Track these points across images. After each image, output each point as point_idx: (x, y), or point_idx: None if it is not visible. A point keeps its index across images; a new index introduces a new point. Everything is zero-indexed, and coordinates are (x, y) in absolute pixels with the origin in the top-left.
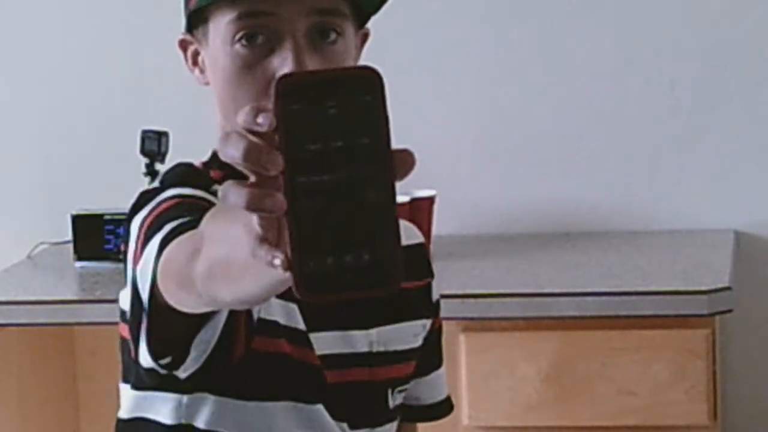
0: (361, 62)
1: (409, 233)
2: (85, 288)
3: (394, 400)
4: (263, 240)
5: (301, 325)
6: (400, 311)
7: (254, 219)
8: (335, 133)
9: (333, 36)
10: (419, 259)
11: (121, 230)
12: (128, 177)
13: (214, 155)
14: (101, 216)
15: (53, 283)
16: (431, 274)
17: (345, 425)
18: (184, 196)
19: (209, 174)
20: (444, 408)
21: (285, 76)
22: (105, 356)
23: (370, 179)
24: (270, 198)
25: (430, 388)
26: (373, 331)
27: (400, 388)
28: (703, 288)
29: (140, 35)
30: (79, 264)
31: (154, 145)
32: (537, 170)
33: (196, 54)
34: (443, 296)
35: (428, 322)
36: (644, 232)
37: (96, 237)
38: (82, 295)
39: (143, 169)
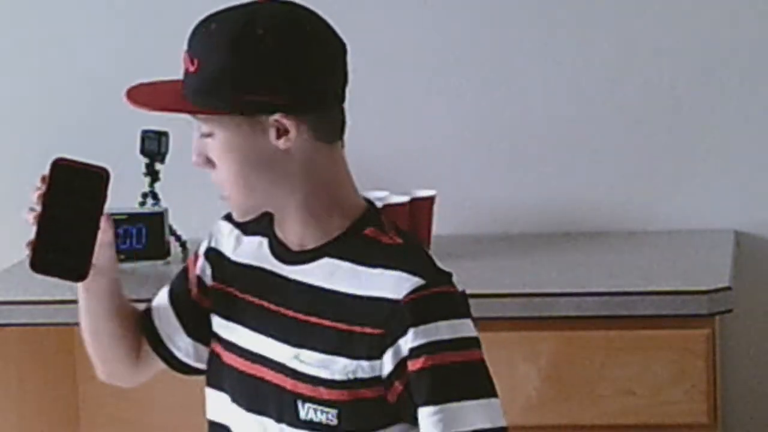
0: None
1: (387, 286)
2: None
3: (306, 412)
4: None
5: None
6: (330, 344)
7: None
8: (73, 199)
9: (206, 131)
10: (385, 313)
11: (120, 230)
12: (128, 177)
13: None
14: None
15: (53, 283)
16: (393, 328)
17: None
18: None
19: None
20: None
21: (58, 159)
22: None
23: (84, 220)
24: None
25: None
26: (295, 350)
27: (312, 406)
28: (703, 288)
29: (140, 35)
30: None
31: (154, 145)
32: (537, 170)
33: None
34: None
35: (356, 363)
36: (644, 232)
37: None
38: None
39: (143, 169)
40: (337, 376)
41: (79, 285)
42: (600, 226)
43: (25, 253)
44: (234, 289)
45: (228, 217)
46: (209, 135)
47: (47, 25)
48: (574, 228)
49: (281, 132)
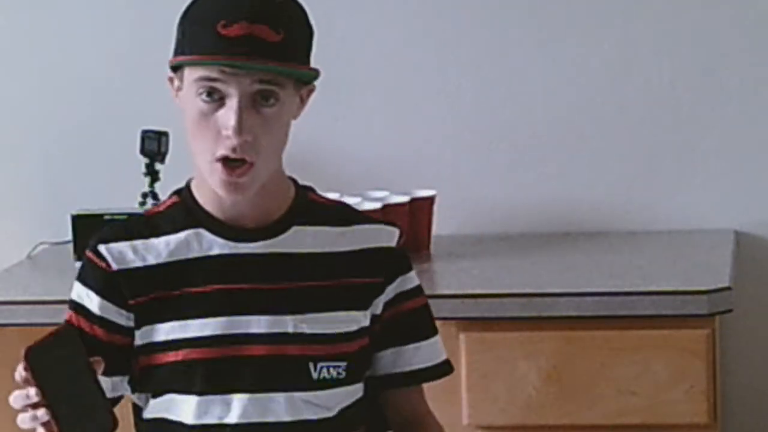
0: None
1: (378, 236)
2: None
3: (319, 372)
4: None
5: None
6: (334, 302)
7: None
8: (62, 371)
9: (271, 101)
10: (378, 260)
11: None
12: (128, 177)
13: (189, 181)
14: (101, 216)
15: (53, 283)
16: (391, 274)
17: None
18: (76, 308)
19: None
20: (440, 370)
21: (27, 348)
22: None
23: (82, 380)
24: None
25: (420, 355)
26: (296, 317)
27: (325, 364)
28: (703, 288)
29: (140, 35)
30: (79, 264)
31: (154, 145)
32: (537, 170)
33: (178, 89)
34: (443, 296)
35: (364, 313)
36: (644, 232)
37: None
38: None
39: (143, 169)
40: (346, 329)
41: None
42: (600, 226)
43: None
44: (176, 290)
45: (103, 240)
46: (271, 104)
47: (47, 25)
48: (574, 228)
49: (300, 103)
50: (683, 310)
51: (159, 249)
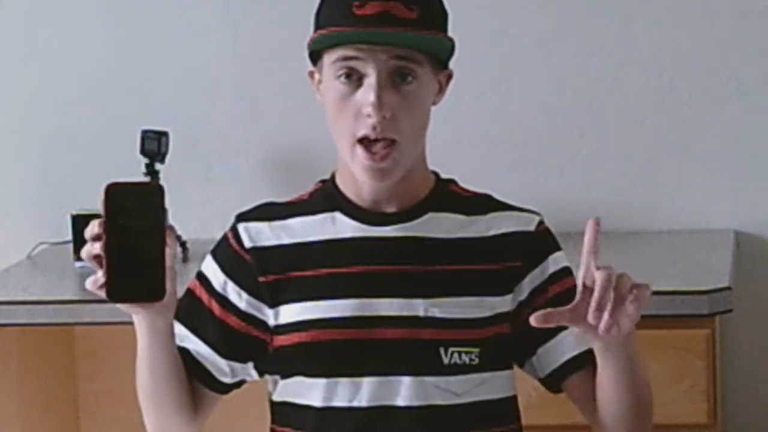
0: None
1: (514, 222)
2: (85, 288)
3: (450, 357)
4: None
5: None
6: (467, 287)
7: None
8: (134, 220)
9: (409, 79)
10: (521, 245)
11: None
12: (128, 177)
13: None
14: (101, 216)
15: (53, 283)
16: (530, 259)
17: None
18: (200, 278)
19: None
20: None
21: (109, 184)
22: (105, 356)
23: (149, 238)
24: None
25: (571, 345)
26: (427, 301)
27: (456, 349)
28: (703, 288)
29: (141, 35)
30: (79, 264)
31: (154, 145)
32: (537, 170)
33: (319, 83)
34: None
35: (498, 299)
36: (644, 232)
37: None
38: (82, 295)
39: (143, 169)
40: (479, 314)
41: (142, 332)
42: (600, 226)
43: (94, 283)
44: (308, 271)
45: (244, 219)
46: (410, 81)
47: (47, 26)
48: (574, 228)
49: (439, 88)
50: (683, 310)
51: (294, 229)
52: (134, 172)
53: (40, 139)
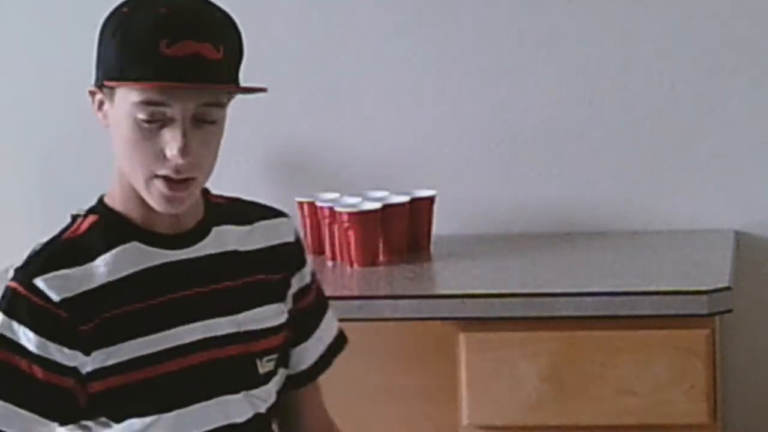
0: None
1: (279, 233)
2: None
3: (264, 366)
4: None
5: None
6: (266, 295)
7: None
8: None
9: (213, 120)
10: (288, 255)
11: None
12: None
13: (100, 199)
14: None
15: None
16: (293, 267)
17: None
18: (8, 345)
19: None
20: (343, 337)
21: None
22: None
23: None
24: None
25: (328, 328)
26: (240, 316)
27: (267, 357)
28: (703, 288)
29: None
30: None
31: None
32: (537, 170)
33: (101, 103)
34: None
35: (284, 305)
36: (644, 232)
37: None
38: None
39: None
40: (278, 321)
41: None
42: (600, 226)
43: None
44: (127, 306)
45: (37, 273)
46: (212, 123)
47: (47, 25)
48: (574, 228)
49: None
50: (683, 310)
51: (97, 271)
52: None
53: (40, 139)
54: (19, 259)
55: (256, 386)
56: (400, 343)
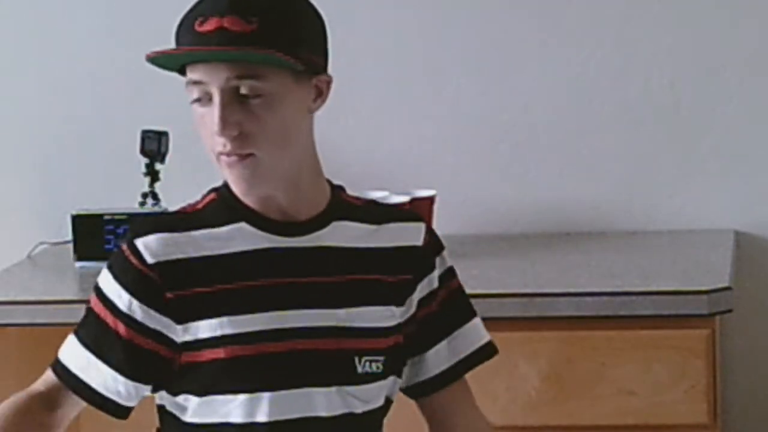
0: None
1: (407, 236)
2: (85, 288)
3: (363, 366)
4: None
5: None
6: (375, 296)
7: None
8: None
9: (254, 94)
10: (406, 259)
11: (121, 230)
12: (128, 177)
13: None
14: (101, 216)
15: (53, 283)
16: (420, 272)
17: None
18: (102, 299)
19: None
20: (488, 350)
21: None
22: None
23: None
24: None
25: (466, 339)
26: (342, 311)
27: (368, 358)
28: (703, 288)
29: (141, 35)
30: (79, 264)
31: (154, 145)
32: (537, 170)
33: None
34: None
35: (398, 309)
36: (644, 232)
37: (96, 237)
38: (82, 295)
39: (143, 169)
40: (386, 324)
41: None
42: (600, 226)
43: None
44: (219, 285)
45: (140, 234)
46: (256, 96)
47: (47, 25)
48: (574, 228)
49: (317, 94)
50: (683, 310)
51: (200, 242)
52: (134, 172)
53: (40, 139)
54: (19, 259)
55: (351, 384)
56: None
